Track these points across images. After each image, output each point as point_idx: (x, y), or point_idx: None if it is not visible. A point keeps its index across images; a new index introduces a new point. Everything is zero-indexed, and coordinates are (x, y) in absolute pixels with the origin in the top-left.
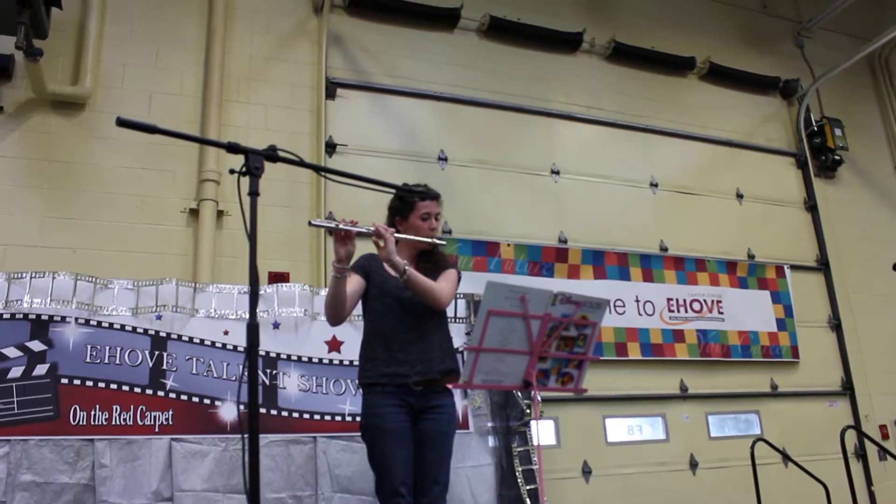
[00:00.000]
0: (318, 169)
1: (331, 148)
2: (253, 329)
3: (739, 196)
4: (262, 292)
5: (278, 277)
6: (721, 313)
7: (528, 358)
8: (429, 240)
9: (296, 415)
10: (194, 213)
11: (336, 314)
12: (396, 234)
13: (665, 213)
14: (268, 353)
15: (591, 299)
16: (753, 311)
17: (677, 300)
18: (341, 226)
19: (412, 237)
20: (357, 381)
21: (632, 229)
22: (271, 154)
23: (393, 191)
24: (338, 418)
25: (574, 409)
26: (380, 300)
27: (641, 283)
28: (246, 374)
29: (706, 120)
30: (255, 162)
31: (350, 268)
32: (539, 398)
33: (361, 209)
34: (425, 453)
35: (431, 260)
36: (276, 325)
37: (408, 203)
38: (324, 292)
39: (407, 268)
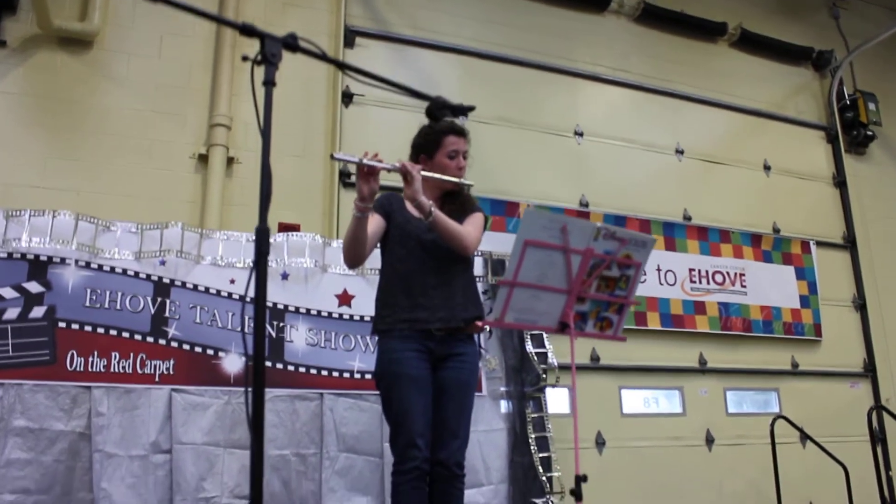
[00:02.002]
0: (340, 65)
1: (347, 98)
2: (262, 234)
3: (767, 168)
4: (271, 241)
5: (289, 228)
6: (744, 287)
7: (566, 297)
8: (456, 179)
9: (302, 370)
10: (203, 158)
11: (355, 255)
12: (423, 172)
13: (690, 181)
14: (275, 304)
15: (636, 236)
16: (777, 286)
17: (699, 271)
18: (365, 161)
19: (438, 176)
20: (372, 329)
21: (655, 196)
22: (290, 41)
23: (422, 100)
24: (346, 375)
25: (589, 377)
26: (401, 243)
27: (663, 251)
28: (251, 325)
29: (735, 88)
30: (271, 48)
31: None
32: (556, 363)
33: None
34: (445, 403)
35: (457, 202)
36: (284, 276)
37: (434, 139)
38: (336, 244)
39: (433, 208)
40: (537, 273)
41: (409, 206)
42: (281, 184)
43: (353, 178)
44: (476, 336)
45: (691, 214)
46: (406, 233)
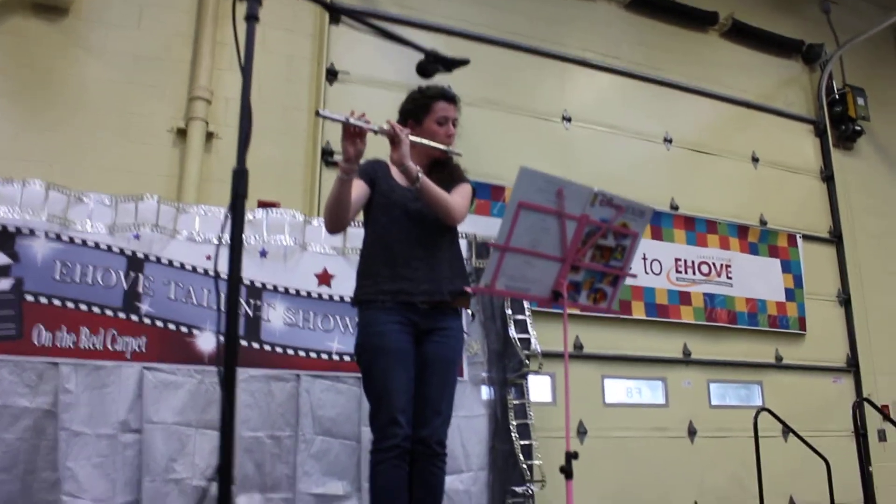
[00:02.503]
0: (327, 6)
1: (332, 75)
2: (239, 176)
3: (755, 160)
4: (249, 217)
5: (268, 206)
6: (730, 278)
7: (560, 265)
8: (445, 147)
9: (279, 349)
10: (182, 133)
11: (338, 219)
12: (411, 137)
13: (678, 170)
14: (252, 282)
15: (634, 204)
16: (762, 278)
17: (685, 261)
18: (352, 120)
19: (427, 142)
20: (352, 300)
21: (643, 184)
22: None
23: (415, 49)
24: (324, 356)
25: (572, 366)
26: (385, 211)
27: (650, 240)
28: (224, 303)
29: (725, 78)
30: None
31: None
32: (539, 349)
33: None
34: (428, 379)
35: (445, 171)
36: (263, 254)
37: (423, 105)
38: (317, 222)
39: (420, 175)
40: (530, 238)
41: (394, 173)
42: (261, 161)
43: (336, 158)
44: (462, 311)
45: (678, 204)
46: (391, 201)
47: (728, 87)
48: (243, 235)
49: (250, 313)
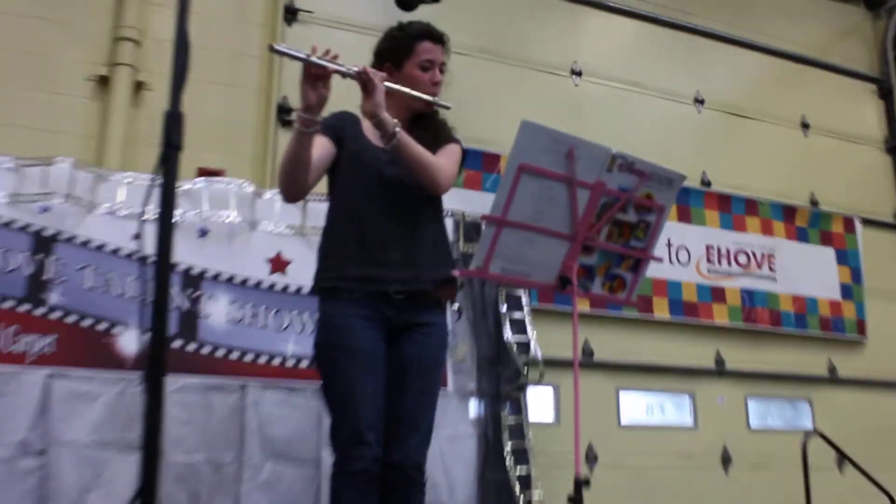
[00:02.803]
0: None
1: (291, 14)
2: (172, 120)
3: (805, 125)
4: (186, 187)
5: (210, 174)
6: (773, 271)
7: (569, 245)
8: (430, 97)
9: (221, 352)
10: (103, 81)
11: (295, 183)
12: (387, 84)
13: (711, 137)
14: (189, 268)
15: (661, 170)
16: (813, 271)
17: (719, 249)
18: (314, 58)
19: (407, 90)
20: (311, 288)
21: (667, 154)
22: None
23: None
24: (276, 362)
25: (581, 376)
26: (354, 176)
27: (675, 222)
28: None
29: (770, 26)
30: None
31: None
32: (540, 355)
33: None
34: (403, 387)
35: (430, 128)
36: (202, 233)
37: (403, 45)
38: (269, 194)
39: (398, 129)
40: (533, 210)
41: (367, 129)
42: (202, 120)
43: (294, 115)
44: (446, 304)
45: (711, 179)
46: (362, 163)
47: (773, 36)
48: (178, 210)
49: (185, 307)
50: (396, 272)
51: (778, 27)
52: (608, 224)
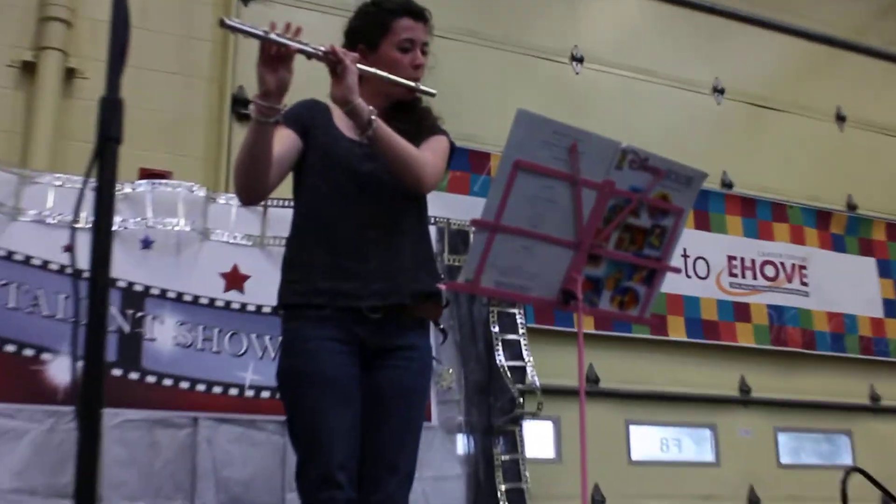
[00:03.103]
0: None
1: None
2: (110, 107)
3: (840, 118)
4: (127, 190)
5: (155, 177)
6: (805, 284)
7: (573, 254)
8: (411, 83)
9: (168, 382)
10: (29, 68)
11: (253, 183)
12: (361, 66)
13: (732, 132)
14: (130, 285)
15: (679, 167)
16: (851, 285)
17: (743, 260)
18: (273, 36)
19: (384, 74)
20: (275, 305)
21: (682, 151)
22: None
23: None
24: (233, 392)
25: (586, 406)
26: (324, 174)
27: (692, 230)
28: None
29: (800, 4)
30: None
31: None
32: (538, 382)
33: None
34: (381, 421)
35: (412, 118)
36: (146, 244)
37: (379, 22)
38: (223, 199)
39: (374, 118)
40: (531, 214)
41: (338, 119)
42: (145, 115)
43: (252, 108)
44: (430, 323)
45: (732, 180)
46: (332, 159)
47: (804, 16)
48: (117, 217)
49: (126, 329)
50: (373, 284)
51: (809, 5)
52: (618, 229)
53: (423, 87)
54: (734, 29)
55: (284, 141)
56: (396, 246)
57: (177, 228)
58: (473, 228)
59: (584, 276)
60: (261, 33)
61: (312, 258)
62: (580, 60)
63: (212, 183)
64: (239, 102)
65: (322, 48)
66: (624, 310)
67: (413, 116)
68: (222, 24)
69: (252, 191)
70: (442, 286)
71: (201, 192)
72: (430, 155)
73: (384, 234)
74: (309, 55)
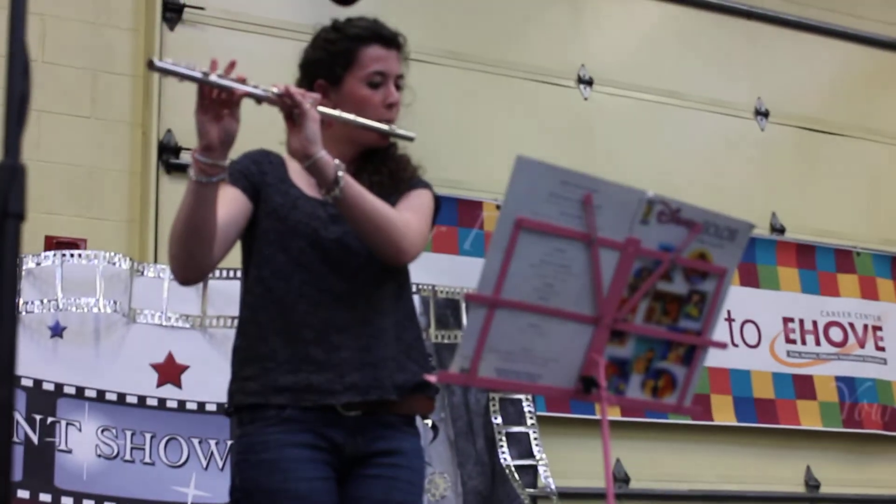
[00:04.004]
0: None
1: (174, 12)
2: (11, 174)
3: None
4: (31, 264)
5: (65, 246)
6: (881, 349)
7: (592, 330)
8: (384, 126)
9: None
10: None
11: (193, 259)
12: (322, 109)
13: (780, 164)
14: (38, 383)
15: (718, 218)
16: None
17: (802, 323)
18: (214, 77)
19: (351, 117)
20: (226, 406)
21: (719, 191)
22: None
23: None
24: None
25: None
26: (280, 243)
27: (738, 287)
28: None
29: (863, 4)
30: None
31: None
32: (553, 485)
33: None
34: None
35: (385, 169)
36: (55, 330)
37: (342, 51)
38: (152, 271)
39: (342, 174)
40: (538, 284)
41: (296, 174)
42: (51, 167)
43: (186, 157)
44: (418, 419)
45: (784, 223)
46: (290, 225)
47: (866, 18)
48: (20, 299)
49: (34, 440)
50: (347, 377)
51: (874, 5)
52: (647, 298)
53: (399, 131)
54: (779, 36)
55: (230, 204)
56: (374, 328)
57: (95, 310)
58: (468, 303)
59: (608, 359)
60: (199, 75)
61: (269, 347)
62: (589, 83)
63: (137, 252)
64: (167, 150)
65: (275, 89)
66: (658, 398)
67: (388, 166)
68: (151, 66)
69: (192, 268)
70: (430, 377)
71: (124, 264)
72: (410, 216)
73: (357, 313)
74: (259, 99)
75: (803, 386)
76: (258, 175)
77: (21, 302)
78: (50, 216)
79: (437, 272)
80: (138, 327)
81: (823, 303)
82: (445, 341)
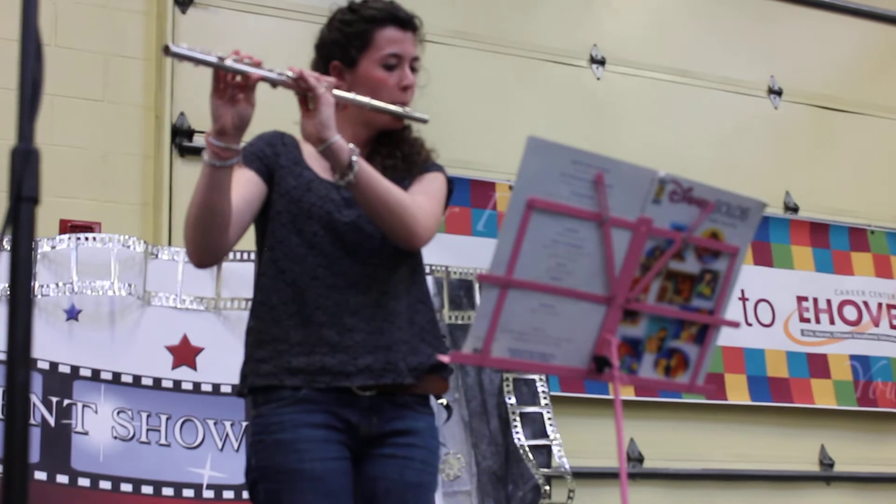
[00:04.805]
0: None
1: None
2: (24, 158)
3: None
4: (46, 248)
5: (80, 230)
6: (895, 328)
7: (605, 310)
8: (399, 109)
9: (106, 485)
10: None
11: (208, 242)
12: (337, 92)
13: (795, 143)
14: (54, 366)
15: (730, 197)
16: None
17: (816, 301)
18: (229, 62)
19: (366, 100)
20: (239, 387)
21: (733, 170)
22: None
23: None
24: (188, 493)
25: (628, 492)
26: (294, 226)
27: (751, 266)
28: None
29: None
30: None
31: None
32: (567, 464)
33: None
34: None
35: (399, 152)
36: (71, 313)
37: (357, 33)
38: (167, 254)
39: (356, 158)
40: (550, 264)
41: (310, 157)
42: (65, 152)
43: (200, 139)
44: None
45: (798, 202)
46: (305, 207)
47: None
48: (35, 283)
49: (51, 422)
50: (361, 360)
51: None
52: (659, 278)
53: (413, 114)
54: (792, 14)
55: (245, 186)
56: (387, 310)
57: (110, 293)
58: (481, 284)
59: (620, 338)
60: (214, 60)
61: (284, 329)
62: (601, 63)
63: (151, 235)
64: (180, 133)
65: (289, 73)
66: (671, 377)
67: (402, 149)
68: (167, 51)
69: (208, 251)
70: (444, 358)
71: (139, 247)
72: (423, 200)
73: (371, 296)
74: (274, 83)
75: (817, 365)
76: (272, 157)
77: (37, 285)
78: (64, 200)
79: (450, 253)
80: (153, 310)
81: (838, 281)
82: (459, 322)
